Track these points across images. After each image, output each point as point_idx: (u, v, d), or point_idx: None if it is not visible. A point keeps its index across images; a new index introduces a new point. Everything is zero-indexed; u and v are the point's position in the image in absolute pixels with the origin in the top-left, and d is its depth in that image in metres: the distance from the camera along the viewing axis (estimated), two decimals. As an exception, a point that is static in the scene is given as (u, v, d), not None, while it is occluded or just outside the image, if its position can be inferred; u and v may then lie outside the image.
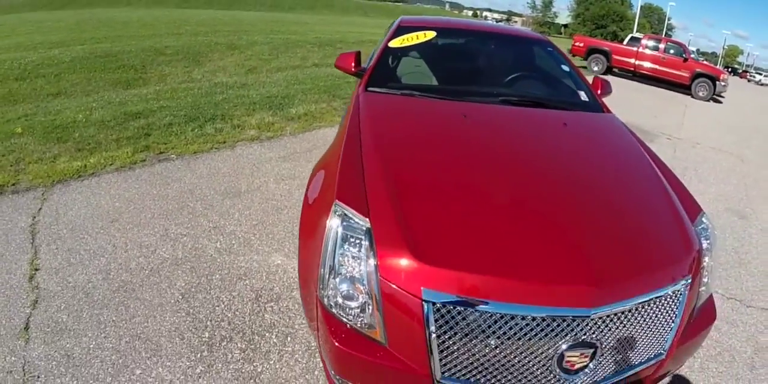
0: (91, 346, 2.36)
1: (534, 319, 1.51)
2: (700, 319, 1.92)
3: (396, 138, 2.28)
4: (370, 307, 1.58)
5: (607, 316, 1.58)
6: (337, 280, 1.62)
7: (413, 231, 1.64)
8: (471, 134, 2.46)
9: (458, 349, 1.53)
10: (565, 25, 74.03)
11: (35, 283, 2.77)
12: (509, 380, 1.57)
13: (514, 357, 1.54)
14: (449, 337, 1.51)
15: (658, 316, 1.72)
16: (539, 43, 3.93)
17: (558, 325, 1.53)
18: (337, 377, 1.76)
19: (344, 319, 1.63)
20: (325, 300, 1.66)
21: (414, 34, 3.49)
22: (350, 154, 2.06)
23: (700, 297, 1.91)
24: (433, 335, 1.51)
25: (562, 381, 1.59)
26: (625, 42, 17.10)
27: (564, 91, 3.46)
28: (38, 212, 3.59)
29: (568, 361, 1.56)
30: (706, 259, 1.92)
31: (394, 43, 3.44)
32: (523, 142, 2.54)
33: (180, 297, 2.72)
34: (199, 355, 2.33)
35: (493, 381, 1.57)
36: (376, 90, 2.91)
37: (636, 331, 1.68)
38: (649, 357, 1.76)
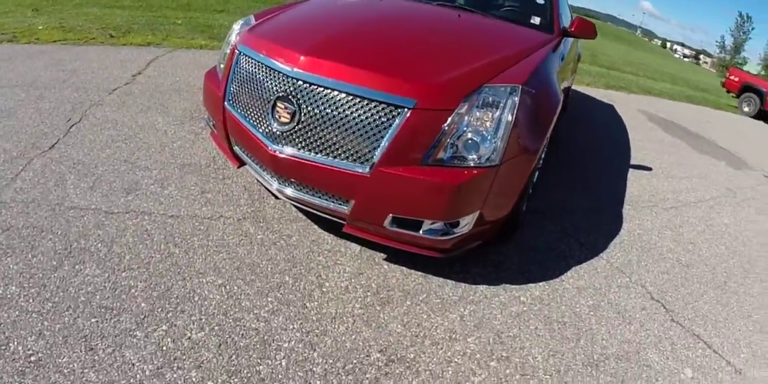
0: (138, 101, 3.99)
1: (268, 69, 2.17)
2: (434, 170, 1.95)
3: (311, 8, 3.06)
4: (224, 59, 2.57)
5: (311, 84, 2.01)
6: (223, 47, 2.73)
7: (271, 26, 2.60)
8: (375, 12, 2.96)
9: (238, 82, 2.35)
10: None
11: (134, 79, 4.44)
12: (250, 113, 2.27)
13: (255, 95, 2.23)
14: (236, 74, 2.37)
15: (366, 119, 1.95)
16: None
17: (276, 77, 2.12)
18: (205, 114, 2.90)
19: (218, 69, 2.71)
20: (217, 63, 2.78)
21: None
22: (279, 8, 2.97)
23: (460, 144, 1.97)
24: (232, 71, 2.41)
25: (269, 123, 2.12)
26: None
27: (516, 11, 3.59)
28: (161, 56, 5.40)
29: (278, 111, 2.07)
30: (478, 113, 1.98)
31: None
32: (411, 18, 2.97)
33: (200, 100, 4.13)
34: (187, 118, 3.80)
35: (245, 111, 2.30)
36: None
37: (339, 120, 1.97)
38: (351, 158, 1.99)
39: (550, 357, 2.07)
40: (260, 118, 2.21)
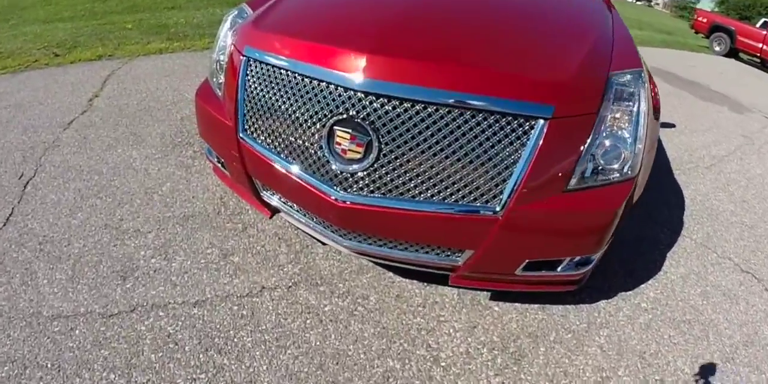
0: (102, 134, 3.09)
1: (309, 80, 1.52)
2: (585, 195, 1.53)
3: None
4: (222, 70, 1.86)
5: (391, 99, 1.42)
6: (214, 55, 1.96)
7: (284, 16, 1.84)
8: None
9: (256, 103, 1.67)
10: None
11: (91, 104, 3.55)
12: (289, 147, 1.62)
13: (295, 121, 1.57)
14: (251, 92, 1.68)
15: (487, 141, 1.43)
16: None
17: (326, 93, 1.49)
18: (208, 151, 2.12)
19: (212, 84, 1.98)
20: (208, 77, 2.03)
21: None
22: None
23: (599, 154, 1.52)
24: (242, 88, 1.70)
25: (326, 162, 1.53)
26: (758, 24, 14.54)
27: None
28: (117, 69, 4.47)
29: (338, 143, 1.49)
30: (616, 112, 1.56)
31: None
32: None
33: (179, 118, 3.35)
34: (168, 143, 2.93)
35: (277, 145, 1.65)
36: None
37: (445, 148, 1.44)
38: (468, 198, 1.49)
39: (695, 364, 1.96)
40: (308, 155, 1.58)
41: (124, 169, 2.68)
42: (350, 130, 1.45)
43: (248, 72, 1.69)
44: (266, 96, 1.63)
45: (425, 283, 2.10)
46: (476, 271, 1.71)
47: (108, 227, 2.20)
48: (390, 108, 1.41)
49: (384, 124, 1.42)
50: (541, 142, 1.41)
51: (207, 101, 1.91)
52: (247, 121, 1.72)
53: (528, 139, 1.41)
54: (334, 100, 1.46)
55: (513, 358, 1.83)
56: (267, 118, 1.65)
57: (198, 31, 6.25)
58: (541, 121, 1.41)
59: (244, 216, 2.36)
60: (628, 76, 1.61)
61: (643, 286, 2.34)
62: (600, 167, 1.53)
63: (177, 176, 2.65)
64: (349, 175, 1.51)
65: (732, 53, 14.18)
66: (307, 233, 2.03)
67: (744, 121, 5.74)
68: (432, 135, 1.41)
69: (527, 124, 1.41)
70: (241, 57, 1.71)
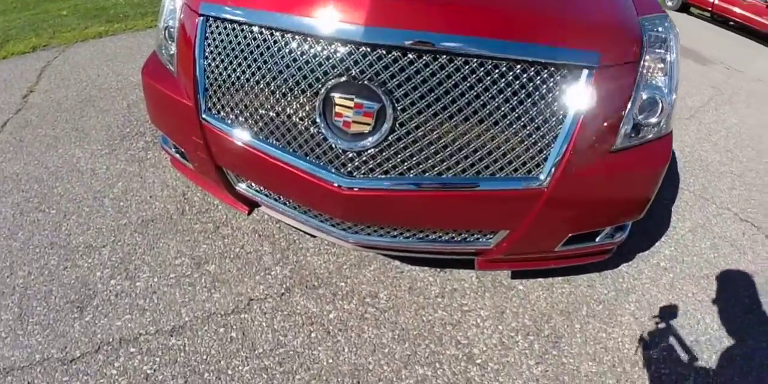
0: (40, 133, 2.65)
1: (297, 36, 1.22)
2: (631, 154, 1.35)
3: None
4: (173, 39, 1.52)
5: (407, 51, 1.14)
6: (161, 22, 1.59)
7: None
8: None
9: (221, 73, 1.34)
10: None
11: (26, 101, 3.10)
12: (271, 128, 1.31)
13: (276, 92, 1.26)
14: (214, 61, 1.34)
15: (528, 97, 1.20)
16: None
17: (324, 49, 1.18)
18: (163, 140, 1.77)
19: (162, 58, 1.61)
20: (156, 49, 1.66)
21: None
22: None
23: (638, 109, 1.35)
24: (200, 57, 1.37)
25: (323, 140, 1.24)
26: None
27: None
28: (53, 59, 3.98)
29: (338, 114, 1.20)
30: (652, 61, 1.39)
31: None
32: None
33: (126, 106, 2.95)
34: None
35: (254, 125, 1.33)
36: None
37: (479, 110, 1.19)
38: (507, 169, 1.25)
39: (725, 322, 1.89)
40: (297, 133, 1.29)
41: (68, 173, 2.28)
42: (354, 97, 1.17)
43: (208, 35, 1.35)
44: (234, 64, 1.30)
45: (438, 269, 1.84)
46: (511, 252, 1.50)
47: (55, 246, 1.83)
48: (406, 63, 1.14)
49: (399, 85, 1.16)
50: (587, 96, 1.21)
51: (156, 78, 1.55)
52: (210, 98, 1.38)
53: (574, 94, 1.21)
54: (328, 58, 1.17)
55: (550, 342, 1.67)
56: (237, 92, 1.32)
57: (139, 10, 5.82)
58: (586, 71, 1.21)
59: (214, 213, 2.00)
60: (657, 21, 1.45)
61: (657, 244, 2.28)
62: (639, 123, 1.36)
63: (129, 173, 2.26)
64: (354, 155, 1.23)
65: (684, 8, 13.98)
66: (295, 227, 1.69)
67: (709, 72, 5.80)
68: (462, 95, 1.17)
69: (571, 75, 1.20)
70: (197, 18, 1.36)
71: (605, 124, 1.27)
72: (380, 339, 1.56)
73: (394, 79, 1.15)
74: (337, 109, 1.18)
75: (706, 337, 1.80)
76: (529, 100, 1.19)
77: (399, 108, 1.17)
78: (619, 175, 1.35)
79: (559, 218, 1.41)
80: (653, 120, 1.36)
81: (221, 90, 1.35)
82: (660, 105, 1.35)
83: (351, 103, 1.17)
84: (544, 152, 1.23)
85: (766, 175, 3.26)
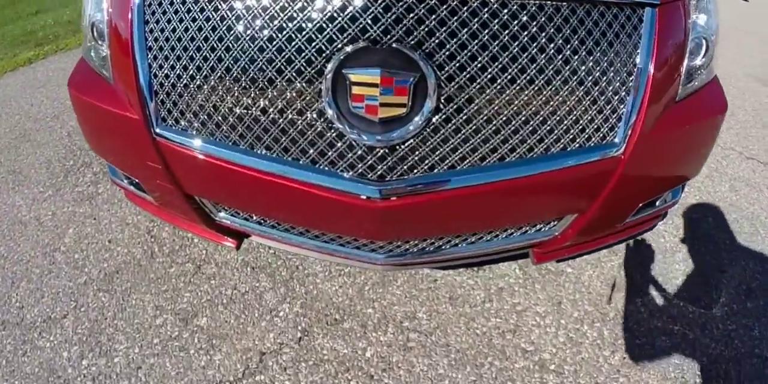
0: None
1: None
2: (691, 104, 1.18)
3: None
4: (103, 37, 1.16)
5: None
6: (85, 20, 1.26)
7: None
8: None
9: (177, 68, 1.01)
10: None
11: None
12: (259, 130, 1.00)
13: (261, 78, 0.94)
14: (162, 48, 1.02)
15: (596, 44, 0.99)
16: None
17: (327, 4, 0.88)
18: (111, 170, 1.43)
19: (92, 64, 1.26)
20: (84, 54, 1.33)
21: None
22: None
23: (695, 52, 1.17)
24: (141, 50, 1.04)
25: (341, 135, 0.95)
26: None
27: None
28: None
29: (357, 96, 0.90)
30: None
31: None
32: None
33: (65, 134, 2.60)
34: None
35: (232, 130, 1.01)
36: None
37: (535, 64, 0.94)
38: (580, 138, 1.03)
39: (763, 263, 1.79)
40: (299, 132, 0.97)
41: (9, 227, 1.89)
42: (380, 69, 0.87)
43: (148, 18, 1.02)
44: (191, 49, 0.97)
45: (474, 269, 1.59)
46: (582, 236, 1.27)
47: (7, 325, 1.46)
48: (446, 13, 0.87)
49: (441, 44, 0.89)
50: (655, 40, 1.03)
51: (87, 90, 1.22)
52: (163, 103, 1.05)
53: (641, 37, 1.03)
54: (332, 19, 0.88)
55: (618, 325, 1.52)
56: (200, 90, 0.99)
57: (69, 27, 5.53)
58: (649, 10, 1.03)
59: (191, 249, 1.65)
60: None
61: (683, 196, 2.19)
62: (690, 67, 1.16)
63: (80, 216, 1.89)
64: (386, 152, 0.94)
65: None
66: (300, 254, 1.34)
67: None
68: (523, 49, 0.92)
69: (635, 15, 1.02)
70: (131, 0, 1.03)
71: (671, 70, 1.09)
72: (435, 370, 1.29)
73: (433, 37, 0.88)
74: (355, 90, 0.89)
75: (757, 283, 1.74)
76: (598, 48, 0.98)
77: (444, 77, 0.90)
78: (687, 128, 1.18)
79: (635, 188, 1.20)
80: (699, 62, 1.18)
81: (177, 90, 1.01)
82: (705, 45, 1.18)
83: (375, 78, 0.87)
84: (618, 111, 1.03)
85: (754, 111, 3.24)
